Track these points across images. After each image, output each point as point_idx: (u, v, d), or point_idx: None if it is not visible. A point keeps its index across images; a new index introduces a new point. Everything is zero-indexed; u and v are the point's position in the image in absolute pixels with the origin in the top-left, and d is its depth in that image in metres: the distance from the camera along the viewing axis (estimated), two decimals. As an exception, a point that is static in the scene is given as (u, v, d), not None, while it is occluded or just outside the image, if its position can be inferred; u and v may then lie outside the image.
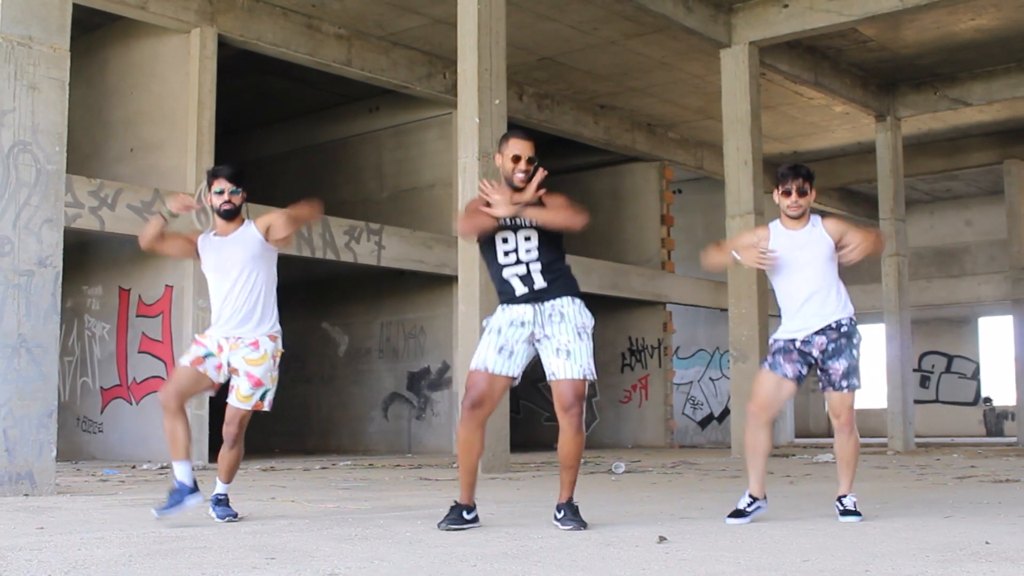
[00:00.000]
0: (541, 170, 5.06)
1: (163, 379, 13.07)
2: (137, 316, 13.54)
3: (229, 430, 5.39)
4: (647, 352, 20.42)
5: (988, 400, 28.04)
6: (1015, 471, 9.86)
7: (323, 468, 11.67)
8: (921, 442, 20.05)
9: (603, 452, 16.48)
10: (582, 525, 4.89)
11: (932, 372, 28.81)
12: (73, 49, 7.86)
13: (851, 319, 5.41)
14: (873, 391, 21.18)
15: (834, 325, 5.35)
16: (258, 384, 5.36)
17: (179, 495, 5.13)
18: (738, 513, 5.24)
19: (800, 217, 5.44)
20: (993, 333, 28.13)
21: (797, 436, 26.12)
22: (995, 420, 27.69)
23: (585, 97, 18.19)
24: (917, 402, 22.59)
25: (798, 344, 5.37)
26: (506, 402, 10.44)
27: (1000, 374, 27.11)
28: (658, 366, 20.30)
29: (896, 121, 18.70)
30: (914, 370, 26.82)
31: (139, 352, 13.48)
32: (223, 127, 14.19)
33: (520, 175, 5.02)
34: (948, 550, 4.06)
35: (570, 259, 5.25)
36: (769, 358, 5.44)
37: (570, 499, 5.00)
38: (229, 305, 5.42)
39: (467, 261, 10.49)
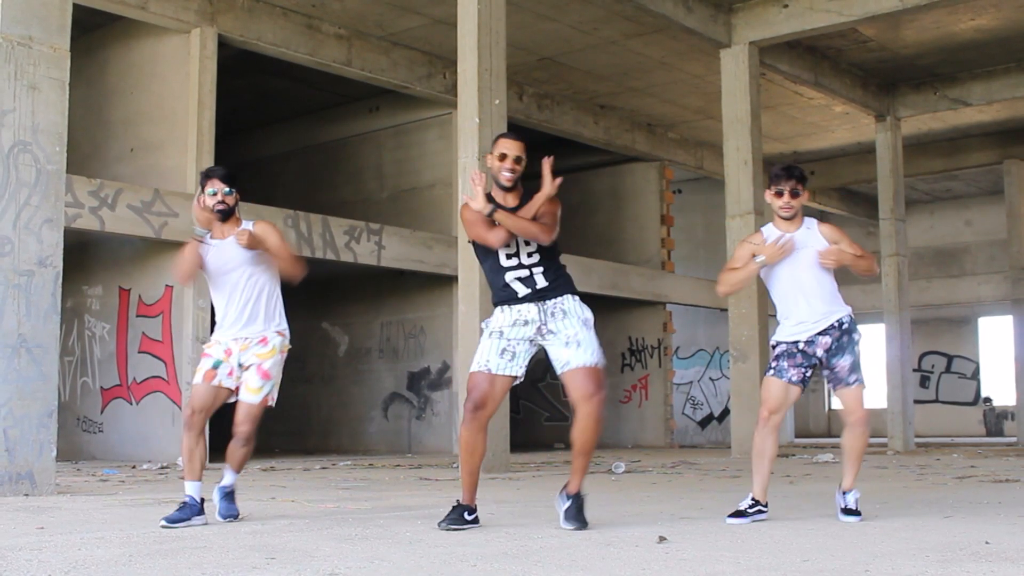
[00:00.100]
0: (548, 159, 5.02)
1: (163, 379, 13.09)
2: (137, 316, 13.54)
3: (244, 429, 5.41)
4: (647, 352, 20.42)
5: (988, 400, 28.04)
6: (1015, 471, 9.86)
7: (323, 468, 11.67)
8: (921, 442, 20.06)
9: (603, 452, 16.48)
10: (584, 525, 4.89)
11: (932, 372, 28.81)
12: (73, 49, 7.87)
13: (850, 317, 5.43)
14: (873, 391, 21.18)
15: (836, 324, 5.36)
16: (267, 376, 5.40)
17: (189, 510, 5.17)
18: (738, 513, 5.24)
19: (793, 218, 5.43)
20: (993, 333, 28.13)
21: (797, 436, 26.11)
22: (995, 420, 27.69)
23: (585, 97, 18.19)
24: (917, 402, 22.59)
25: (801, 346, 5.37)
26: (506, 402, 10.45)
27: (1000, 374, 27.11)
28: (658, 366, 20.30)
29: (896, 121, 18.70)
30: (914, 370, 26.81)
31: (139, 352, 13.48)
32: (223, 127, 14.20)
33: (507, 174, 5.05)
34: (948, 550, 4.06)
35: (570, 259, 5.28)
36: (773, 363, 5.43)
37: (579, 491, 4.99)
38: (234, 307, 5.43)
39: (467, 261, 10.48)
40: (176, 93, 13.35)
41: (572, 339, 4.98)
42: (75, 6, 8.02)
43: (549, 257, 5.08)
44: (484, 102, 10.57)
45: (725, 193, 14.80)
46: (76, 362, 14.27)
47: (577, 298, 5.10)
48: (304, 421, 18.14)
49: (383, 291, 17.36)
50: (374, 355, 17.65)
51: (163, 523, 5.07)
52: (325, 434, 18.09)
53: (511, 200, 5.08)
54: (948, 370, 28.76)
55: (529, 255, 5.05)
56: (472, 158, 10.47)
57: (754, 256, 5.43)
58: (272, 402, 5.49)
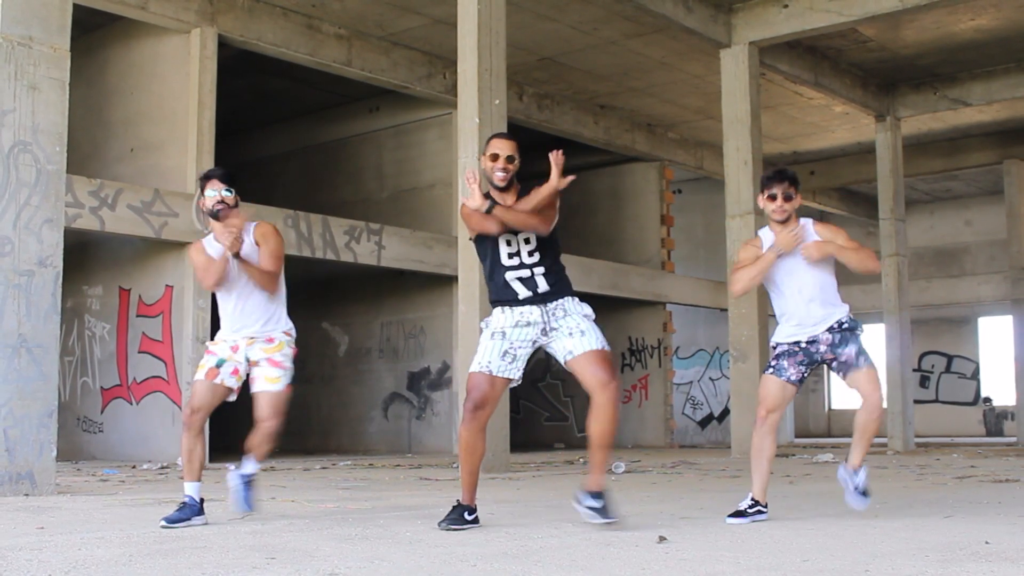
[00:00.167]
0: (557, 152, 5.00)
1: (163, 379, 13.09)
2: (137, 316, 13.54)
3: (272, 424, 5.39)
4: (647, 352, 20.42)
5: (988, 400, 28.04)
6: (1015, 471, 9.86)
7: (323, 468, 11.68)
8: (921, 442, 20.05)
9: (603, 452, 16.45)
10: (617, 519, 4.84)
11: (932, 372, 28.81)
12: (73, 49, 7.87)
13: (850, 316, 5.42)
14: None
15: (836, 325, 5.36)
16: (281, 366, 5.41)
17: (189, 510, 5.17)
18: (738, 513, 5.24)
19: (787, 222, 5.40)
20: (993, 333, 28.13)
21: (797, 436, 26.12)
22: (995, 420, 27.69)
23: (585, 97, 18.19)
24: (917, 402, 22.58)
25: (803, 344, 5.37)
26: (506, 402, 10.45)
27: (1000, 374, 27.11)
28: (658, 366, 20.30)
29: (896, 121, 18.70)
30: (914, 370, 26.81)
31: (139, 352, 13.48)
32: (223, 127, 14.20)
33: (500, 174, 5.05)
34: (948, 550, 4.06)
35: (570, 259, 5.28)
36: (773, 362, 5.43)
37: (602, 487, 4.93)
38: (240, 308, 5.42)
39: (467, 261, 10.49)
40: (176, 93, 13.35)
41: (575, 330, 4.99)
42: (75, 6, 8.03)
43: (551, 257, 5.08)
44: (484, 102, 10.57)
45: (725, 193, 14.81)
46: (76, 362, 14.27)
47: (576, 299, 5.12)
48: (304, 421, 18.13)
49: (383, 291, 17.36)
50: (374, 355, 17.66)
51: (163, 523, 5.07)
52: (325, 434, 18.09)
53: (508, 200, 5.07)
54: (948, 370, 28.76)
55: (530, 254, 5.04)
56: (472, 158, 10.47)
57: (777, 249, 5.34)
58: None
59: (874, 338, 20.66)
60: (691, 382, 23.55)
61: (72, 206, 11.33)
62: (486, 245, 5.11)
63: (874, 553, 4.00)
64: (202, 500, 5.27)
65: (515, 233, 5.04)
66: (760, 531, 4.80)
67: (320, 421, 18.22)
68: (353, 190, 17.92)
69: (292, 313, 5.72)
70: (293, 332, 5.55)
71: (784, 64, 15.96)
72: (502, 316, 5.05)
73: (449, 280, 15.49)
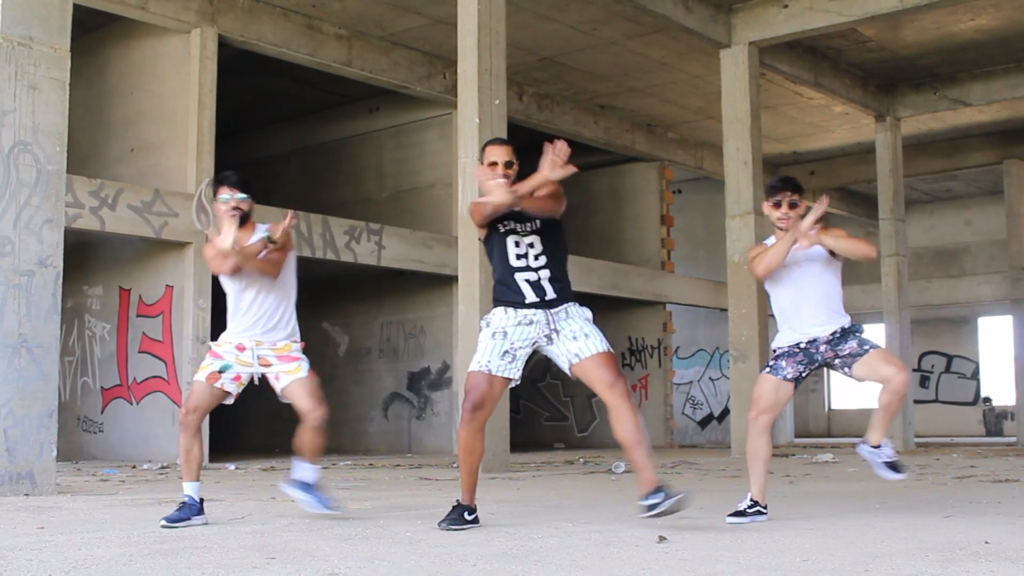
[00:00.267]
0: (556, 143, 4.93)
1: (163, 379, 13.09)
2: (137, 316, 13.55)
3: (319, 413, 5.39)
4: (647, 352, 20.43)
5: (988, 400, 28.04)
6: (1015, 471, 9.87)
7: (323, 468, 11.66)
8: (921, 442, 20.05)
9: (603, 452, 16.48)
10: (680, 495, 4.76)
11: (932, 372, 28.81)
12: (73, 49, 7.87)
13: (851, 323, 5.40)
14: (872, 391, 21.17)
15: (838, 330, 5.34)
16: (294, 359, 5.40)
17: (189, 510, 5.17)
18: (738, 513, 5.24)
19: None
20: (993, 333, 28.13)
21: (797, 436, 26.11)
22: (995, 420, 27.69)
23: (585, 97, 18.20)
24: (917, 402, 22.60)
25: (803, 345, 5.36)
26: (506, 402, 10.44)
27: (1000, 374, 27.10)
28: (658, 366, 20.30)
29: (896, 121, 18.71)
30: (914, 370, 26.83)
31: (139, 352, 13.48)
32: (223, 127, 14.20)
33: (501, 180, 5.01)
34: (948, 550, 4.06)
35: (570, 259, 5.26)
36: (771, 362, 5.43)
37: (657, 484, 4.83)
38: (252, 313, 5.39)
39: (467, 261, 10.48)
40: (176, 93, 13.35)
41: (579, 332, 4.99)
42: (75, 6, 8.03)
43: (558, 264, 5.07)
44: (484, 102, 10.57)
45: (725, 193, 14.80)
46: (76, 362, 14.28)
47: (577, 303, 5.12)
48: (304, 421, 18.12)
49: (383, 291, 17.37)
50: (374, 355, 17.66)
51: (163, 523, 5.07)
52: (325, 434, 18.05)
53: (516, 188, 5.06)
54: (948, 370, 28.76)
55: (536, 257, 5.04)
56: (472, 158, 10.47)
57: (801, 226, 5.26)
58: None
59: (874, 338, 20.64)
60: (691, 382, 23.56)
61: (72, 206, 11.33)
62: (493, 244, 5.10)
63: (874, 553, 4.00)
64: (202, 500, 5.27)
65: (522, 235, 5.03)
66: (760, 531, 4.80)
67: (320, 421, 18.18)
68: (353, 190, 17.92)
69: (292, 313, 5.70)
70: (298, 338, 5.50)
71: (784, 64, 15.96)
72: (504, 316, 5.04)
73: (449, 280, 15.49)
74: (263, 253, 5.38)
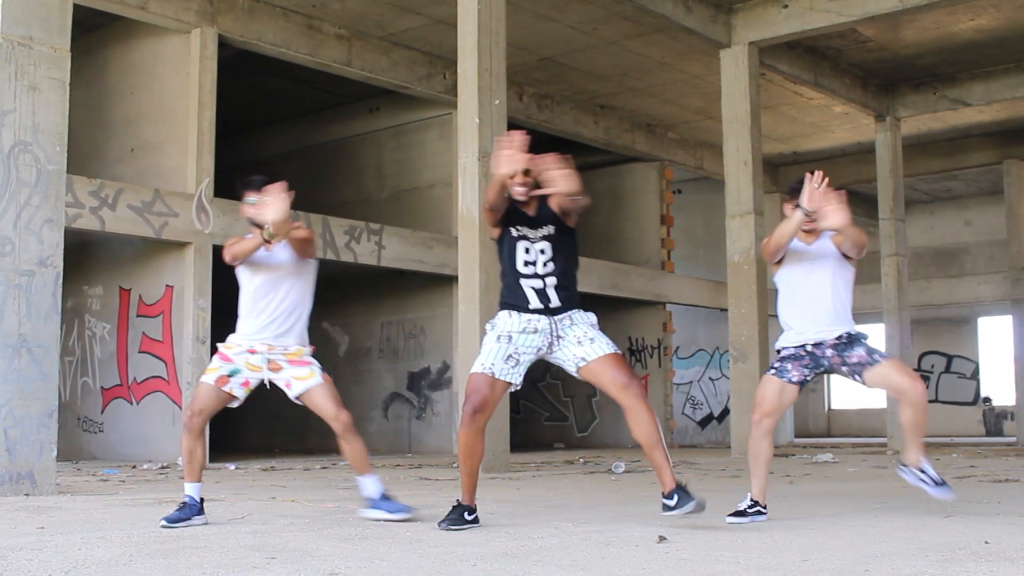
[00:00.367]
0: (559, 157, 4.95)
1: (163, 379, 13.09)
2: (137, 316, 13.55)
3: (344, 418, 5.38)
4: (647, 352, 20.43)
5: (987, 400, 28.04)
6: (1015, 471, 9.87)
7: (323, 468, 11.68)
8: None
9: (603, 452, 16.49)
10: (700, 502, 4.80)
11: (932, 372, 28.81)
12: (73, 49, 7.87)
13: (856, 331, 5.39)
14: (872, 391, 21.18)
15: (843, 335, 5.34)
16: (305, 364, 5.38)
17: (190, 510, 5.17)
18: (738, 513, 5.25)
19: (810, 232, 5.42)
20: (993, 333, 28.14)
21: (797, 436, 26.12)
22: (994, 420, 27.69)
23: (585, 97, 18.20)
24: (917, 402, 22.50)
25: (809, 347, 5.36)
26: (506, 402, 10.44)
27: (1000, 374, 27.11)
28: (658, 366, 20.31)
29: (896, 121, 18.71)
30: (914, 370, 26.79)
31: (139, 352, 13.48)
32: (223, 127, 14.20)
33: (519, 189, 5.02)
34: (948, 550, 4.06)
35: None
36: (776, 363, 5.43)
37: (677, 483, 4.87)
38: (267, 314, 5.35)
39: (467, 261, 10.48)
40: (176, 93, 13.35)
41: (583, 337, 4.99)
42: (75, 6, 8.03)
43: (567, 271, 5.07)
44: (484, 102, 10.57)
45: (725, 193, 14.81)
46: (76, 362, 14.28)
47: (582, 310, 5.12)
48: (304, 421, 18.05)
49: (383, 291, 17.37)
50: (374, 355, 17.66)
51: (163, 523, 5.07)
52: (325, 434, 17.84)
53: (530, 210, 5.08)
54: (948, 370, 28.77)
55: (545, 264, 5.04)
56: (472, 158, 10.47)
57: (797, 206, 5.24)
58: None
59: (874, 338, 20.64)
60: (691, 382, 23.56)
61: (72, 206, 11.33)
62: (504, 247, 5.10)
63: (874, 553, 4.00)
64: (202, 500, 5.28)
65: (533, 241, 5.03)
66: (760, 531, 4.80)
67: (320, 421, 17.98)
68: (353, 190, 17.92)
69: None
70: (307, 343, 5.48)
71: (784, 64, 15.96)
72: (509, 320, 5.03)
73: (449, 280, 15.49)
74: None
